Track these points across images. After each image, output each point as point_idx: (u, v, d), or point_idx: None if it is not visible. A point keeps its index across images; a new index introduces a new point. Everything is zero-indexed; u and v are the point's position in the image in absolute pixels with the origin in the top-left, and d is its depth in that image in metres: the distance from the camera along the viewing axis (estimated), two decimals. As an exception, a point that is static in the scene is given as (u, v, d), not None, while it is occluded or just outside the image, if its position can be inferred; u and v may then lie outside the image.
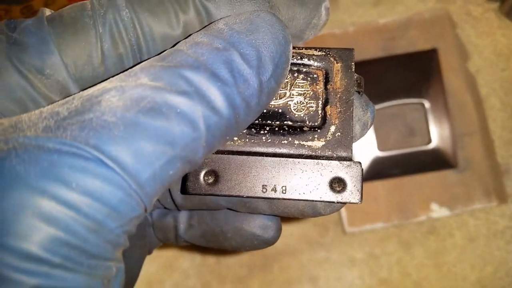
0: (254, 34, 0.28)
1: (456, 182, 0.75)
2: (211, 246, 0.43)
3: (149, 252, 0.45)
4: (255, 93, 0.27)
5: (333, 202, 0.32)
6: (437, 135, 0.75)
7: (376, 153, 0.75)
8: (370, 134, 0.76)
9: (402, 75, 0.77)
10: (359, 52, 0.78)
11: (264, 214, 0.39)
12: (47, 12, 0.31)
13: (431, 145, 0.75)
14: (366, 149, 0.75)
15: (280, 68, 0.29)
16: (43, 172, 0.22)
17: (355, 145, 0.75)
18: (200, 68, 0.26)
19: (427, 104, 0.75)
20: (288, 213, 0.37)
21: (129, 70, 0.26)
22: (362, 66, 0.77)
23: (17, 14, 0.86)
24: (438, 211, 0.74)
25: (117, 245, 0.25)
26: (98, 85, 0.26)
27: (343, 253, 0.76)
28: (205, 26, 0.30)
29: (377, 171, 0.75)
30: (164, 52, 0.27)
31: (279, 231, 0.40)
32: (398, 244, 0.75)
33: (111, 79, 0.26)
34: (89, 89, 0.26)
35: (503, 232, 0.75)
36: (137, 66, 0.27)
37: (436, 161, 0.75)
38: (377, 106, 0.76)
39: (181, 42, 0.28)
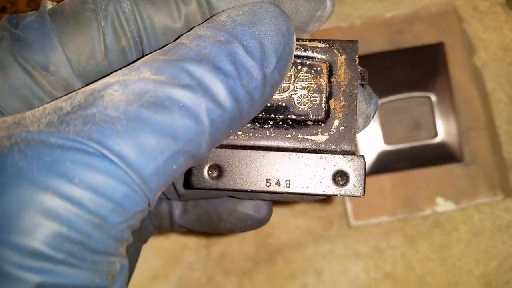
0: (257, 26, 0.28)
1: (461, 176, 0.75)
2: (206, 229, 0.43)
3: (144, 241, 0.45)
4: (258, 86, 0.27)
5: (336, 196, 0.33)
6: (443, 129, 0.75)
7: (382, 146, 0.75)
8: (376, 127, 0.76)
9: (409, 69, 0.77)
10: (365, 45, 0.78)
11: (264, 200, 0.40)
12: (49, 5, 0.31)
13: (437, 139, 0.75)
14: (372, 142, 0.75)
15: (284, 60, 0.29)
16: (46, 167, 0.22)
17: (361, 138, 0.75)
18: (203, 61, 0.26)
19: (433, 98, 0.75)
20: (287, 197, 0.38)
21: (132, 64, 0.26)
22: (369, 60, 0.77)
23: (23, 6, 0.86)
24: (443, 205, 0.74)
25: (121, 241, 0.25)
26: (101, 80, 0.26)
27: (347, 247, 0.76)
28: (207, 19, 0.30)
29: (382, 165, 0.75)
30: (167, 46, 0.27)
31: (270, 210, 0.41)
32: (403, 238, 0.75)
33: (113, 73, 0.26)
34: (92, 84, 0.26)
35: (508, 226, 0.75)
36: (139, 61, 0.27)
37: (441, 155, 0.75)
38: (383, 100, 0.76)
39: (183, 35, 0.28)
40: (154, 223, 0.44)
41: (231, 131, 0.28)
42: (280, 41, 0.28)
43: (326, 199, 0.68)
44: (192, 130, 0.25)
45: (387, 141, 0.75)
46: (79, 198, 0.22)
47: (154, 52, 0.27)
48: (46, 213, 0.22)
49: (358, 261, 0.76)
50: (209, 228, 0.43)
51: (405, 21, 0.79)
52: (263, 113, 0.34)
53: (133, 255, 0.42)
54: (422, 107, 0.76)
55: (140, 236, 0.44)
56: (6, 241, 0.22)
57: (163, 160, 0.24)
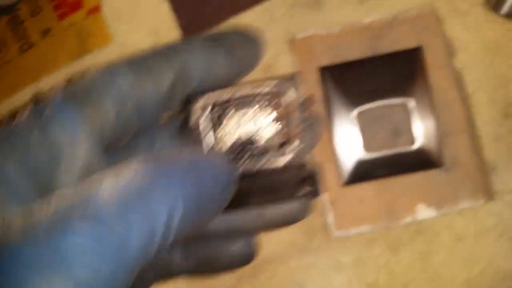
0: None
1: (442, 181, 0.75)
2: (205, 271, 0.50)
3: None
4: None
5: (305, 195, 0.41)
6: (423, 134, 0.75)
7: (362, 154, 0.75)
8: (357, 135, 0.76)
9: (388, 74, 0.77)
10: (345, 52, 0.78)
11: (248, 234, 0.48)
12: (61, 94, 0.37)
13: (416, 145, 0.75)
14: (352, 151, 0.76)
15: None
16: (52, 257, 0.27)
17: (341, 147, 0.75)
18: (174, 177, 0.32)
19: (412, 103, 0.75)
20: (270, 226, 0.46)
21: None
22: (349, 67, 0.77)
23: (3, 25, 0.87)
24: (425, 212, 0.74)
25: None
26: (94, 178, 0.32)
27: (330, 258, 0.76)
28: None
29: (362, 173, 0.75)
30: None
31: (257, 247, 0.50)
32: (386, 246, 0.76)
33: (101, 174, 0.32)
34: (85, 181, 0.31)
35: (491, 230, 0.75)
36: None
37: (422, 161, 0.75)
38: (363, 107, 0.76)
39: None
40: (156, 273, 0.49)
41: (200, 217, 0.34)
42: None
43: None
44: (165, 216, 0.30)
45: (367, 149, 0.76)
46: (77, 276, 0.27)
47: None
48: None
49: (341, 272, 0.76)
50: (208, 269, 0.50)
51: (385, 26, 0.78)
52: (240, 147, 0.42)
53: None
54: (402, 113, 0.76)
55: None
56: None
57: (144, 234, 0.29)
